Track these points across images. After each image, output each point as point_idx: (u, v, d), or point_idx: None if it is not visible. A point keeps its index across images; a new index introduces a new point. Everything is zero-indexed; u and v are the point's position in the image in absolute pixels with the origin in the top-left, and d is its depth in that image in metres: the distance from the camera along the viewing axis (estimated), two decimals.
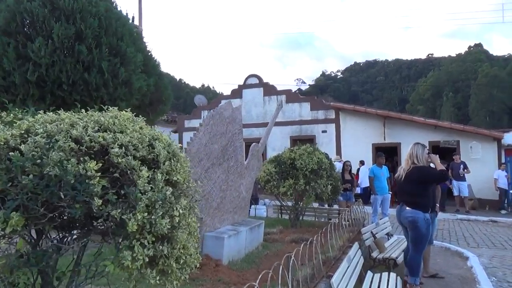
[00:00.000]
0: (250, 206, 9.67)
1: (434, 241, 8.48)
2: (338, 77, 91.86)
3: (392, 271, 5.50)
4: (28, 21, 8.03)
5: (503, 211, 13.34)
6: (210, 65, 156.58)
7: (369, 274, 4.59)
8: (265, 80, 18.17)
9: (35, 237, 1.91)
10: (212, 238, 4.15)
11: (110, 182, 1.72)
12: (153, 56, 10.77)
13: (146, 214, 1.65)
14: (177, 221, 1.78)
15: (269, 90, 17.71)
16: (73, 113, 1.95)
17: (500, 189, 13.46)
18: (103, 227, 1.67)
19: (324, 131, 16.62)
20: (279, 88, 18.06)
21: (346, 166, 8.98)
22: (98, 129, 1.84)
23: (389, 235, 7.17)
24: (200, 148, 3.95)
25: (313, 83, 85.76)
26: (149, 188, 1.70)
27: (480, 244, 8.85)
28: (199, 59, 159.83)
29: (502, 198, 13.61)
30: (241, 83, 18.48)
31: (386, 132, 15.25)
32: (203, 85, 73.79)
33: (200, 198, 4.01)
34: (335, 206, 8.68)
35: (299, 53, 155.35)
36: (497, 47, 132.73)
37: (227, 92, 19.08)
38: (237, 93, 18.26)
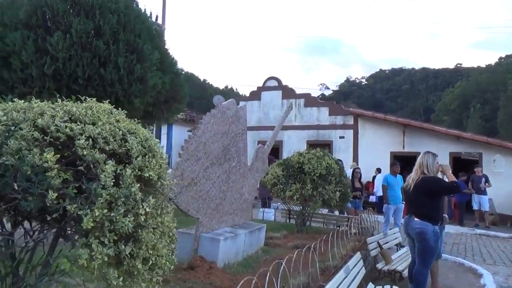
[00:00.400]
0: (263, 207, 9.54)
1: (448, 256, 8.17)
2: (363, 83, 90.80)
3: (397, 285, 5.29)
4: (48, 15, 8.17)
5: None
6: (234, 67, 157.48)
7: (371, 286, 4.40)
8: (287, 84, 18.07)
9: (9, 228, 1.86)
10: (208, 240, 4.05)
11: (74, 176, 1.64)
12: (170, 54, 10.86)
13: (105, 211, 1.56)
14: (142, 219, 1.69)
15: (288, 93, 17.56)
16: (49, 102, 1.89)
17: None
18: (61, 223, 1.60)
19: (341, 137, 16.34)
20: (301, 92, 17.91)
21: (356, 173, 8.74)
22: (69, 119, 1.77)
23: (399, 246, 6.93)
24: (199, 146, 3.86)
25: (336, 88, 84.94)
26: (112, 183, 1.62)
27: (497, 261, 8.46)
28: (224, 61, 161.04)
29: None
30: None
31: (405, 141, 14.86)
32: (226, 87, 74.18)
33: (195, 199, 3.94)
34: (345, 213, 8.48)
35: (323, 59, 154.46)
36: None
37: (249, 94, 19.04)
38: (255, 95, 18.18)
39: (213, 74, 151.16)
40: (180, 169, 3.64)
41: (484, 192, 12.66)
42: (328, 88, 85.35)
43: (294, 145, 16.74)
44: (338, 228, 6.81)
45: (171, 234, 2.03)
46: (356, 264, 4.21)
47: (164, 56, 9.81)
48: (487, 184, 12.70)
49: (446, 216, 5.49)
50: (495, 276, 6.96)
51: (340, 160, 9.26)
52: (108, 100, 7.87)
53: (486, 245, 10.28)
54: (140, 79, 8.43)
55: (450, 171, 4.81)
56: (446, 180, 4.88)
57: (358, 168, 9.14)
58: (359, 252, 4.57)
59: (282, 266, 3.05)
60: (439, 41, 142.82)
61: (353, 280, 3.80)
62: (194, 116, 20.46)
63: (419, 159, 4.81)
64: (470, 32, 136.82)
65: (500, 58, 70.39)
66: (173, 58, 10.75)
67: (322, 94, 74.39)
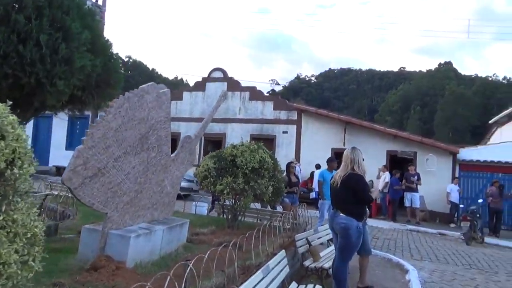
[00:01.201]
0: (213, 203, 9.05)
1: (378, 251, 8.31)
2: (312, 81, 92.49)
3: (323, 283, 5.19)
4: None
5: (452, 225, 13.46)
6: (185, 57, 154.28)
7: (293, 285, 4.23)
8: (233, 76, 17.72)
9: None
10: (117, 237, 3.65)
11: None
12: (104, 35, 10.12)
13: None
14: None
15: (233, 85, 17.26)
16: None
17: (451, 203, 13.58)
18: None
19: (285, 132, 16.33)
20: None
21: (291, 167, 8.62)
22: None
23: (332, 242, 6.90)
24: (108, 133, 3.45)
25: (287, 85, 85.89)
26: None
27: (424, 256, 8.75)
28: (174, 51, 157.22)
29: (452, 212, 13.74)
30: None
31: (346, 138, 15.12)
32: (176, 77, 72.34)
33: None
34: (279, 209, 8.34)
35: (275, 54, 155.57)
36: (466, 67, 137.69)
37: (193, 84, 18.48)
38: (200, 86, 17.70)
39: (163, 64, 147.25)
40: (82, 157, 3.21)
41: (415, 190, 13.17)
42: (279, 84, 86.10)
43: (237, 138, 16.37)
44: (270, 223, 6.66)
45: (30, 235, 1.66)
46: (279, 263, 4.00)
47: (97, 37, 9.11)
48: (418, 181, 13.23)
49: (368, 211, 5.46)
50: (421, 272, 7.14)
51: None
52: (29, 80, 7.09)
53: (415, 240, 10.65)
54: (65, 60, 7.72)
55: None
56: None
57: (292, 162, 9.02)
58: (283, 250, 4.38)
59: (190, 267, 2.74)
60: (385, 44, 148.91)
61: (272, 280, 3.58)
62: None
63: (349, 155, 4.70)
64: (414, 37, 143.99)
65: (440, 64, 74.61)
66: (108, 40, 10.05)
67: (273, 90, 74.84)
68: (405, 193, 13.18)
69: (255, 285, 3.17)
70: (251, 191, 6.02)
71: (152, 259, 4.03)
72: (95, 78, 9.09)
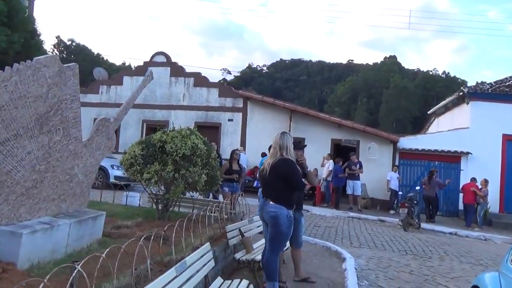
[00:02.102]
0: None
1: (318, 240, 8.21)
2: (264, 71, 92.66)
3: (256, 275, 4.91)
4: None
5: (391, 211, 13.81)
6: (132, 43, 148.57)
7: (218, 281, 3.89)
8: (177, 62, 16.99)
9: None
10: (6, 234, 3.10)
11: None
12: (26, 9, 9.14)
13: None
14: None
15: (176, 70, 16.55)
16: None
17: (391, 190, 13.92)
18: None
19: (230, 120, 15.95)
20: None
21: (235, 155, 8.30)
22: None
23: None
24: None
25: (238, 74, 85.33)
26: None
27: (362, 244, 8.78)
28: (122, 36, 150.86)
29: (392, 199, 14.10)
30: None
31: (292, 126, 15.01)
32: (123, 63, 69.21)
33: None
34: (220, 198, 7.99)
35: (226, 43, 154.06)
36: (409, 61, 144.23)
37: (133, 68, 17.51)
38: (141, 70, 16.80)
39: (109, 49, 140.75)
40: None
41: (357, 178, 13.35)
42: (230, 73, 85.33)
43: (181, 126, 15.89)
44: (212, 214, 6.26)
45: None
46: (201, 257, 3.64)
47: (14, 10, 8.19)
48: (359, 169, 13.41)
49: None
50: (358, 259, 7.10)
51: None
52: None
53: (356, 228, 10.74)
54: None
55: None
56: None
57: (237, 149, 8.69)
58: (208, 243, 4.01)
59: (78, 269, 2.29)
60: (334, 37, 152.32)
61: (190, 278, 3.21)
62: None
63: (277, 140, 4.40)
64: (362, 31, 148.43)
65: (385, 58, 77.30)
66: (30, 14, 9.12)
67: (224, 79, 73.91)
68: (347, 181, 13.31)
69: (166, 285, 2.78)
70: (182, 179, 5.58)
71: (55, 258, 3.51)
72: (13, 56, 8.19)
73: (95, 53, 62.56)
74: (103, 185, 12.54)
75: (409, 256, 7.87)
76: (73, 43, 55.49)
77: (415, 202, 11.53)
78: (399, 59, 77.26)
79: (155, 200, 6.19)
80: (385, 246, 8.71)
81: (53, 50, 51.03)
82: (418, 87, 62.47)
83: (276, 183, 4.29)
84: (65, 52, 51.86)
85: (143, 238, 3.38)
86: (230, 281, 3.92)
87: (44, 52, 9.14)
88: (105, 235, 4.56)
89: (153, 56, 16.88)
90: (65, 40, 53.12)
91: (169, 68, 16.58)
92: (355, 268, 6.37)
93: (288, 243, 5.33)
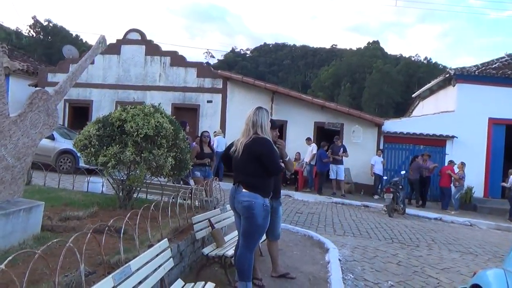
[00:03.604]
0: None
1: (299, 228, 7.65)
2: (247, 55, 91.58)
3: (227, 272, 4.29)
4: None
5: (376, 197, 13.39)
6: (114, 25, 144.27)
7: (178, 284, 3.24)
8: (152, 39, 15.97)
9: None
10: None
11: None
12: None
13: None
14: None
15: (152, 49, 15.58)
16: None
17: (375, 174, 13.48)
18: None
19: (209, 101, 15.15)
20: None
21: (204, 137, 7.57)
22: None
23: None
24: None
25: (222, 58, 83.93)
26: None
27: (346, 231, 8.28)
28: (101, 18, 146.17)
29: (376, 184, 13.67)
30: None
31: (273, 108, 14.33)
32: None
33: None
34: (192, 183, 7.30)
35: (209, 26, 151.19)
36: (392, 46, 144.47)
37: None
38: (114, 48, 15.74)
39: (88, 30, 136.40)
40: None
41: (340, 162, 12.83)
42: (213, 57, 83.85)
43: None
44: (172, 201, 5.59)
45: None
46: (154, 257, 2.97)
47: None
48: (344, 154, 12.89)
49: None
50: (342, 249, 6.57)
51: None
52: None
53: (339, 214, 10.25)
54: None
55: (285, 150, 4.02)
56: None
57: (207, 131, 7.96)
58: (166, 240, 3.34)
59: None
60: (318, 21, 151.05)
61: (139, 284, 2.55)
62: (39, 68, 17.12)
63: (251, 116, 3.74)
64: (346, 15, 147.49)
65: (368, 43, 77.00)
66: None
67: (207, 63, 72.32)
68: (330, 165, 12.78)
69: None
70: (144, 163, 4.87)
71: None
72: None
73: (73, 34, 60.14)
74: (72, 170, 11.74)
75: (396, 245, 7.40)
76: (50, 24, 53.09)
77: (400, 187, 11.10)
78: (382, 45, 77.23)
79: (116, 187, 5.46)
80: (370, 233, 8.22)
81: (29, 31, 48.85)
82: (400, 73, 62.48)
83: (249, 166, 3.64)
84: (42, 33, 49.60)
85: (90, 232, 2.70)
86: (192, 284, 3.27)
87: None
88: (48, 229, 3.85)
89: (126, 33, 15.83)
90: (42, 21, 50.70)
91: (144, 46, 15.59)
92: (339, 259, 5.83)
93: (264, 235, 4.72)
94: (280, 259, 5.12)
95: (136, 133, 4.83)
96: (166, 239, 3.29)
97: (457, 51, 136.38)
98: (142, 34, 15.76)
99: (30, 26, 48.72)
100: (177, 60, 15.41)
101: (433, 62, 70.71)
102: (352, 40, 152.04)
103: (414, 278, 5.50)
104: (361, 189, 14.07)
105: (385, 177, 13.58)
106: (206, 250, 4.23)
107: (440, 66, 63.28)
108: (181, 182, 7.71)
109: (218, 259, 4.22)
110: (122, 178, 5.35)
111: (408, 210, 11.37)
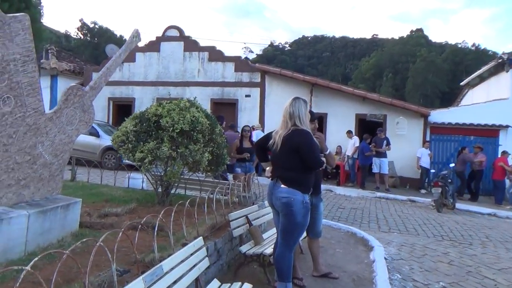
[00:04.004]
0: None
1: (341, 225, 7.36)
2: (286, 49, 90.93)
3: (266, 271, 4.13)
4: None
5: (422, 191, 12.76)
6: (160, 25, 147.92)
7: (214, 284, 3.11)
8: (190, 35, 16.05)
9: None
10: None
11: None
12: None
13: None
14: None
15: (190, 45, 15.65)
16: None
17: (422, 168, 12.83)
18: None
19: (247, 96, 15.03)
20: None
21: (245, 132, 7.44)
22: None
23: None
24: None
25: (260, 53, 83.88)
26: None
27: (392, 227, 7.89)
28: (148, 19, 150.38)
29: (423, 177, 13.02)
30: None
31: (313, 100, 13.98)
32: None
33: None
34: (230, 178, 7.21)
35: (247, 21, 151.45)
36: (437, 34, 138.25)
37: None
38: (154, 46, 15.99)
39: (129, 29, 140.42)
40: None
41: (384, 155, 12.31)
42: (252, 52, 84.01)
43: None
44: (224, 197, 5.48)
45: None
46: (189, 256, 2.86)
47: None
48: (387, 146, 12.35)
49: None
50: (388, 247, 6.23)
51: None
52: None
53: (383, 209, 9.82)
54: None
55: (325, 143, 3.78)
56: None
57: (248, 126, 7.82)
58: (201, 238, 3.22)
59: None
60: (358, 11, 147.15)
61: (172, 285, 2.44)
62: (84, 68, 17.72)
63: (288, 107, 3.56)
64: (387, 4, 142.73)
65: (412, 31, 74.02)
66: None
67: (246, 58, 72.55)
68: (373, 158, 12.29)
69: None
70: (180, 158, 4.79)
71: (8, 259, 2.80)
72: None
73: (118, 35, 62.11)
74: (116, 166, 12.03)
75: (447, 243, 6.94)
76: (96, 26, 55.11)
77: (449, 180, 10.47)
78: (426, 32, 73.94)
79: (154, 183, 5.45)
80: (418, 230, 7.78)
81: (77, 34, 50.98)
82: (446, 61, 59.55)
83: (288, 161, 3.45)
84: (88, 35, 51.56)
85: (122, 230, 2.62)
86: (229, 284, 3.13)
87: (41, 24, 8.35)
88: (86, 225, 3.85)
89: (165, 30, 16.02)
90: (88, 23, 52.66)
91: (182, 43, 15.70)
92: (385, 258, 5.52)
93: (304, 233, 4.52)
94: (321, 258, 4.90)
95: (171, 128, 4.76)
96: (201, 237, 3.17)
97: (508, 37, 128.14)
98: (180, 30, 15.88)
99: (78, 29, 50.75)
100: (215, 55, 15.40)
101: (482, 48, 66.80)
102: (394, 29, 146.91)
103: (468, 279, 5.09)
104: (407, 183, 13.45)
105: (432, 170, 12.89)
106: (244, 248, 4.09)
107: (490, 52, 59.65)
108: (220, 178, 7.65)
109: (257, 257, 4.06)
110: (159, 174, 5.31)
111: (459, 205, 10.70)
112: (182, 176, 5.99)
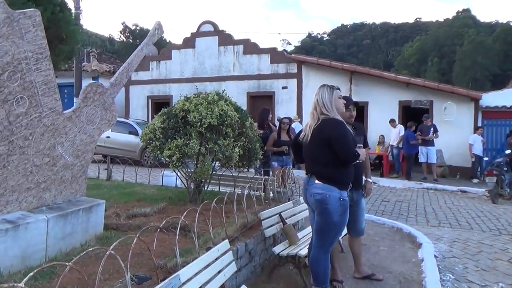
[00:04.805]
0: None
1: (386, 220, 6.90)
2: (324, 39, 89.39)
3: (302, 273, 3.83)
4: None
5: (475, 180, 11.88)
6: (193, 20, 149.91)
7: None
8: (225, 29, 15.87)
9: None
10: None
11: None
12: None
13: None
14: None
15: (224, 39, 15.49)
16: None
17: (474, 155, 11.93)
18: None
19: (284, 87, 14.66)
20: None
21: (283, 124, 7.10)
22: None
23: None
24: None
25: (299, 44, 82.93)
26: None
27: (442, 221, 7.31)
28: (185, 16, 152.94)
29: (475, 166, 12.11)
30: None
31: (352, 89, 13.40)
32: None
33: None
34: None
35: (284, 13, 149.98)
36: (485, 13, 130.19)
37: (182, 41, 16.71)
38: (189, 42, 15.98)
39: (172, 30, 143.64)
40: None
41: (431, 143, 11.53)
42: (290, 44, 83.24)
43: (233, 97, 14.85)
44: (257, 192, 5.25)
45: None
46: (214, 261, 2.62)
47: None
48: (434, 134, 11.57)
49: (369, 180, 3.96)
50: (438, 244, 5.73)
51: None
52: None
53: (432, 201, 9.19)
54: None
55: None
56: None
57: (286, 118, 7.48)
58: (226, 241, 2.97)
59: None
60: None
61: None
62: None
63: (314, 97, 3.25)
64: None
65: (458, 12, 70.28)
66: None
67: (285, 50, 71.91)
68: (419, 147, 11.56)
69: None
70: (209, 154, 4.58)
71: (28, 265, 2.70)
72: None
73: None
74: (154, 164, 12.13)
75: (505, 237, 6.30)
76: (137, 28, 56.61)
77: (505, 168, 9.62)
78: (473, 12, 69.90)
79: (185, 181, 5.28)
80: (472, 224, 7.16)
81: (120, 37, 52.66)
82: (496, 41, 55.81)
83: (320, 154, 3.13)
84: (131, 37, 53.09)
85: (137, 236, 2.43)
86: None
87: (76, 26, 8.42)
88: (112, 227, 3.73)
89: (199, 26, 15.96)
90: (130, 26, 54.15)
91: (217, 37, 15.57)
92: (435, 256, 5.05)
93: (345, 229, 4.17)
94: (364, 257, 4.53)
95: (199, 123, 4.56)
96: (226, 240, 2.92)
97: None
98: (214, 25, 15.75)
99: (120, 32, 52.30)
100: (249, 47, 15.14)
101: None
102: (438, 11, 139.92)
103: None
104: (457, 173, 12.58)
105: (485, 158, 11.96)
106: (277, 249, 3.81)
107: None
108: (261, 173, 7.40)
109: (291, 258, 3.78)
110: (190, 171, 5.14)
111: None
112: (215, 172, 5.81)
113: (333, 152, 3.08)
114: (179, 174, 5.20)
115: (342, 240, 4.71)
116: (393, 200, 9.07)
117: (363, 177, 3.92)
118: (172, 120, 4.76)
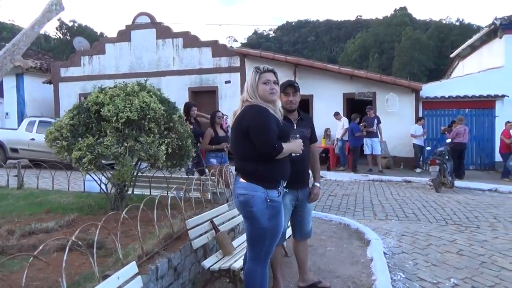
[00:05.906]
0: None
1: (333, 216, 6.54)
2: (270, 36, 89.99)
3: None
4: None
5: (418, 170, 12.02)
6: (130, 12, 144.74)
7: None
8: (162, 22, 14.95)
9: None
10: None
11: None
12: None
13: None
14: None
15: (163, 31, 14.59)
16: None
17: (415, 145, 12.06)
18: None
19: (227, 82, 14.07)
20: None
21: (218, 119, 6.52)
22: None
23: None
24: None
25: (245, 41, 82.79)
26: None
27: (389, 214, 7.11)
28: (119, 6, 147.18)
29: (417, 156, 12.26)
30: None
31: (297, 82, 13.06)
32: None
33: None
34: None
35: (229, 10, 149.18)
36: (420, 11, 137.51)
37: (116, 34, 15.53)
38: (124, 35, 14.90)
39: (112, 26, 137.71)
40: None
41: (375, 135, 11.49)
42: (236, 41, 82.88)
43: (174, 93, 13.99)
44: (174, 195, 4.60)
45: None
46: None
47: None
48: (379, 125, 11.54)
49: (317, 185, 3.42)
50: (387, 238, 5.45)
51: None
52: None
53: (378, 193, 9.04)
54: None
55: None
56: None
57: (220, 112, 6.90)
58: (133, 263, 2.33)
59: None
60: None
61: None
62: (51, 64, 16.55)
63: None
64: None
65: (395, 10, 73.22)
66: None
67: (231, 47, 71.13)
68: (364, 139, 11.48)
69: None
70: (129, 154, 3.90)
71: None
72: None
73: (98, 32, 60.27)
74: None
75: (452, 227, 6.17)
76: (75, 24, 53.37)
77: (447, 157, 9.72)
78: (410, 10, 73.25)
79: (105, 186, 4.55)
80: (418, 215, 7.01)
81: (56, 33, 49.36)
82: (431, 38, 59.00)
83: (241, 146, 2.60)
84: (68, 34, 49.90)
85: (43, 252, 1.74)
86: None
87: None
88: None
89: (135, 18, 14.92)
90: (67, 22, 50.95)
91: (154, 30, 14.62)
92: (384, 253, 4.73)
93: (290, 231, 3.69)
94: (310, 260, 4.10)
95: (115, 117, 3.85)
96: (133, 262, 2.29)
97: (493, 9, 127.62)
98: (151, 17, 14.79)
99: (56, 29, 49.06)
100: (190, 40, 14.37)
101: (466, 23, 66.19)
102: (377, 9, 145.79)
103: (483, 272, 4.30)
104: (400, 163, 12.70)
105: (428, 148, 12.14)
106: (207, 263, 3.22)
107: (474, 26, 59.02)
108: (194, 174, 6.78)
109: (225, 272, 3.21)
110: (109, 174, 4.41)
111: (457, 183, 9.97)
112: (144, 174, 5.13)
113: (254, 145, 2.56)
114: (95, 178, 4.46)
115: (287, 242, 4.25)
116: (340, 194, 8.82)
117: (311, 178, 3.41)
118: (83, 116, 4.01)
